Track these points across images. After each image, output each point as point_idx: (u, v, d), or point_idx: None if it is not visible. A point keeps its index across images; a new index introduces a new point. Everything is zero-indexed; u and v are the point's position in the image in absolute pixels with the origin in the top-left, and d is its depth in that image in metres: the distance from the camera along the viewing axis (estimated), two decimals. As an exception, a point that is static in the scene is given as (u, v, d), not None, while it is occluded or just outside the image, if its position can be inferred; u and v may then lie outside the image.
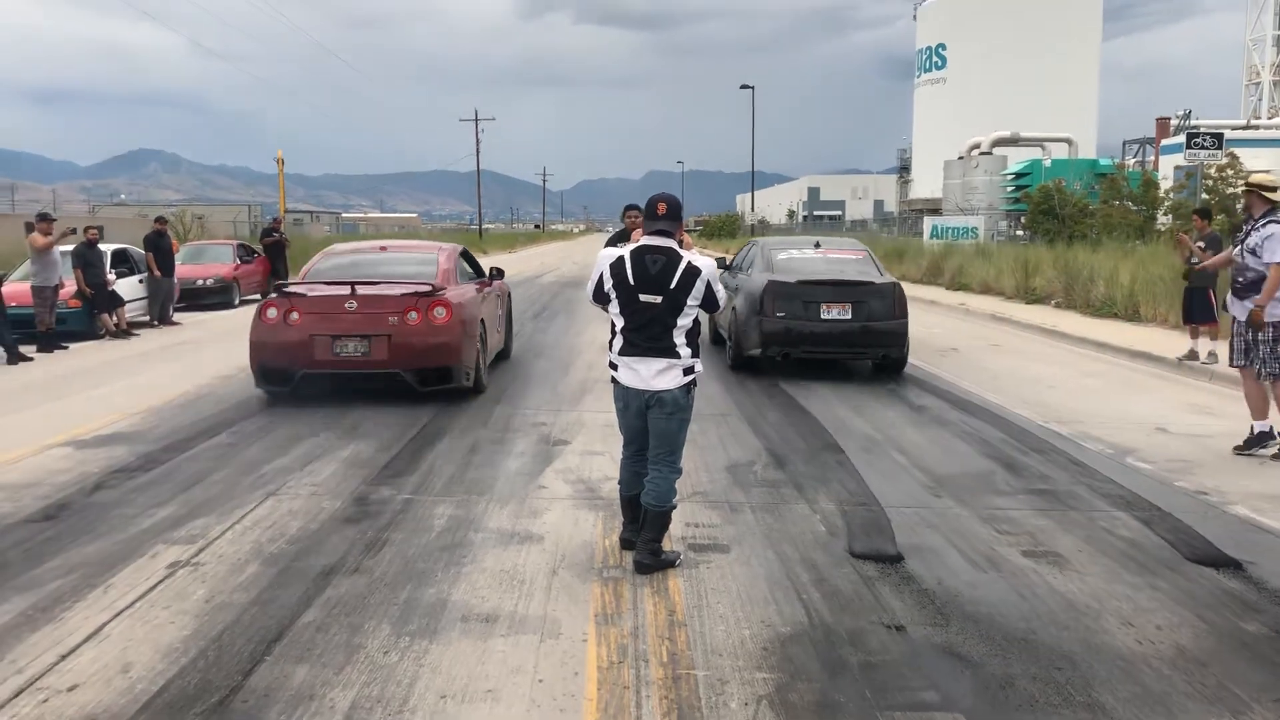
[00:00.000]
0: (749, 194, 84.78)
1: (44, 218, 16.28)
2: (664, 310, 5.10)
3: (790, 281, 11.89)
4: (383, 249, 12.43)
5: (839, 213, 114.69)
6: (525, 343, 15.53)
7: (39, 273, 15.66)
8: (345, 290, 10.28)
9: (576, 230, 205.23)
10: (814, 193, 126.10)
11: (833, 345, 11.78)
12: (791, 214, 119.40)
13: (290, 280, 12.48)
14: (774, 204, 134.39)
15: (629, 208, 9.99)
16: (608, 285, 5.21)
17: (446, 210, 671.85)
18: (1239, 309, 8.48)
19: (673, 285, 5.08)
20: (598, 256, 5.36)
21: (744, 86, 61.21)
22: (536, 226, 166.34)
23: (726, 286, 13.05)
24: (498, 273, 13.17)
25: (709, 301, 5.24)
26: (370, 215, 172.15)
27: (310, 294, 10.37)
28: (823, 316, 11.76)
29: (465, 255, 12.45)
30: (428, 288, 10.38)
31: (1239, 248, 8.50)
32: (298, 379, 10.29)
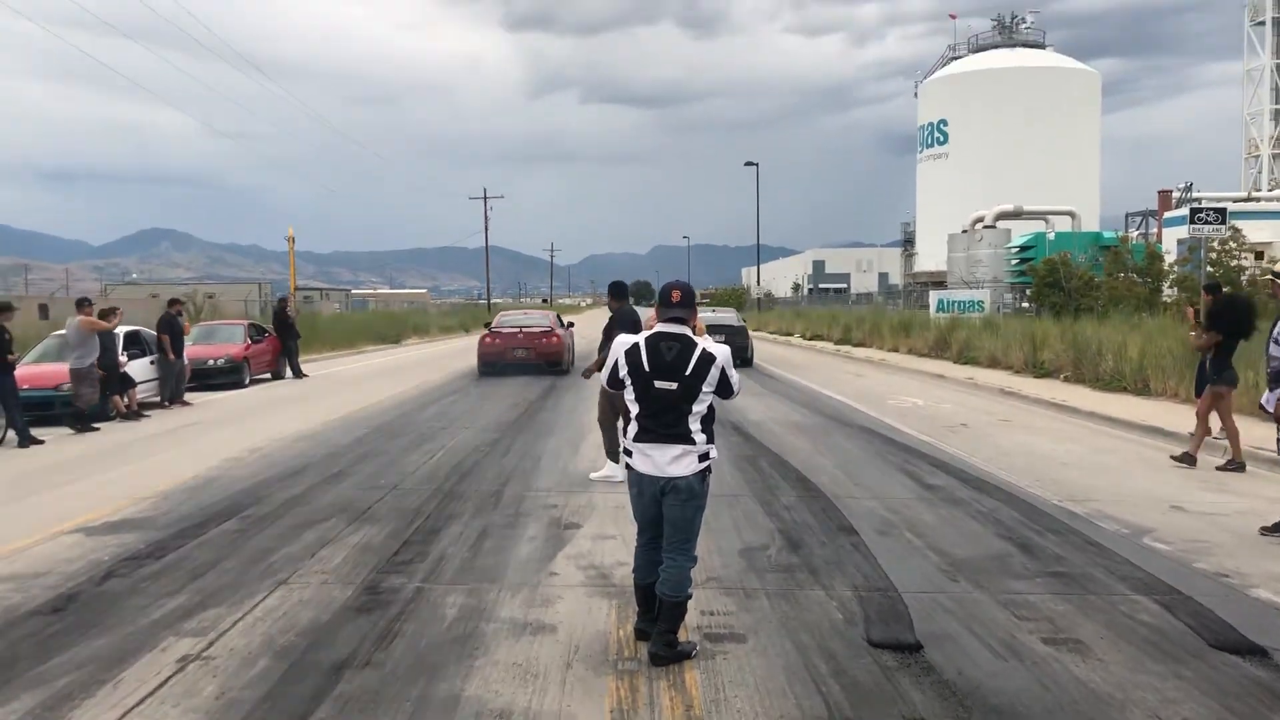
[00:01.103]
0: (755, 267, 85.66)
1: (85, 302, 16.83)
2: (679, 397, 5.12)
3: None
4: (526, 313, 28.15)
5: (844, 285, 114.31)
6: (534, 420, 15.55)
7: (81, 355, 16.03)
8: (517, 329, 25.67)
9: (584, 304, 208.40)
10: (819, 266, 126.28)
11: None
12: (796, 287, 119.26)
13: (488, 327, 26.67)
14: (779, 277, 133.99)
15: (614, 291, 10.61)
16: (623, 372, 5.25)
17: (455, 285, 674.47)
18: (1271, 401, 8.45)
19: (688, 372, 5.12)
20: (613, 344, 5.41)
21: (748, 164, 61.42)
22: (544, 301, 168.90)
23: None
24: (570, 324, 28.74)
25: (724, 387, 5.28)
26: (380, 291, 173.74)
27: (501, 330, 25.77)
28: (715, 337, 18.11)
29: (558, 316, 27.71)
30: (549, 328, 24.95)
31: (1269, 338, 8.52)
32: (499, 368, 24.83)
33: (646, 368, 5.17)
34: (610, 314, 10.66)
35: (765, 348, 39.32)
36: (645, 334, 5.32)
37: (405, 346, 45.63)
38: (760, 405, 17.39)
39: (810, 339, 44.44)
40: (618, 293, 10.71)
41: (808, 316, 53.53)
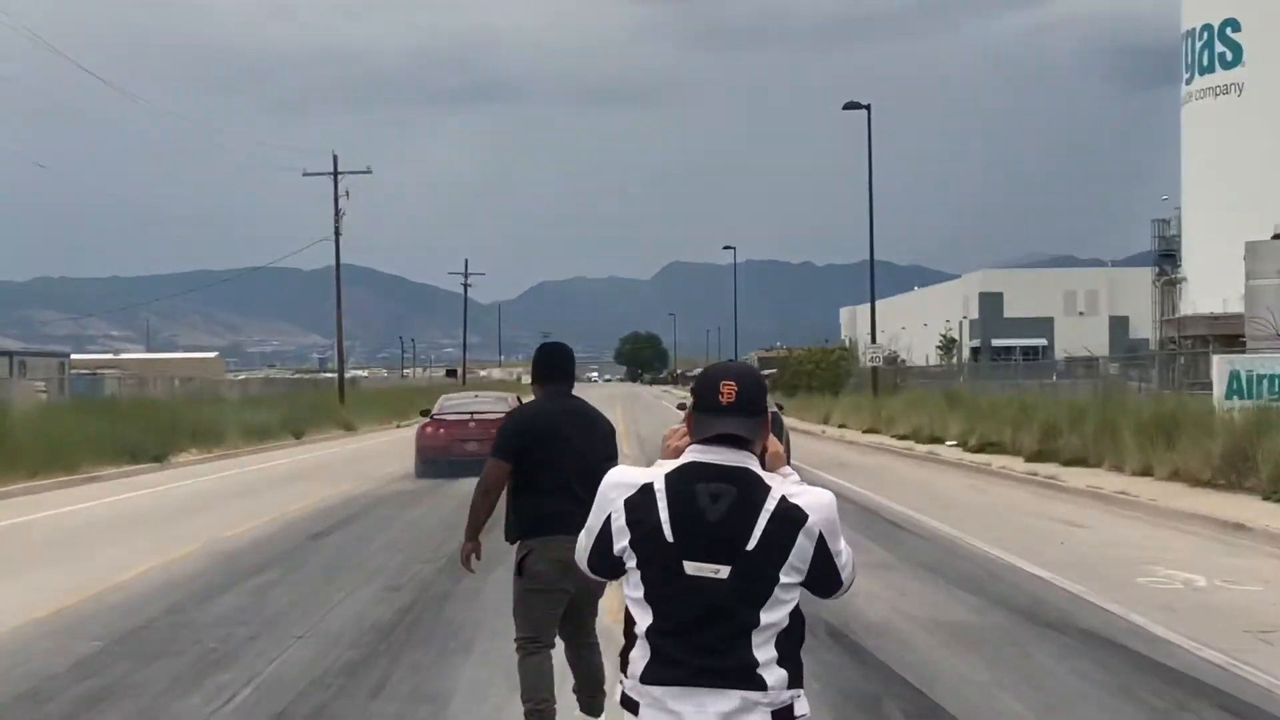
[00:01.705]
0: (866, 305, 45.68)
1: None
2: (734, 594, 2.79)
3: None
4: (476, 395, 24.82)
5: (1041, 341, 67.72)
6: (437, 615, 9.06)
7: None
8: (467, 416, 21.42)
9: (526, 378, 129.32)
10: (991, 302, 72.27)
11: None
12: (951, 343, 66.86)
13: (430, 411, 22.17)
14: (915, 321, 76.97)
15: (542, 364, 5.73)
16: (621, 542, 2.89)
17: (279, 342, 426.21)
18: None
19: (751, 544, 2.79)
20: (601, 487, 2.94)
21: (851, 106, 37.62)
22: (450, 373, 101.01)
23: None
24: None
25: (823, 575, 2.86)
26: (125, 355, 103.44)
27: (445, 418, 21.60)
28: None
29: (518, 398, 19.92)
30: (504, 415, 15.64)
31: None
32: (443, 465, 19.98)
33: (669, 536, 2.83)
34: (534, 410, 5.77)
35: (888, 467, 24.12)
36: (667, 467, 2.89)
37: (179, 467, 25.50)
38: (883, 587, 10.08)
39: (977, 450, 24.51)
40: (546, 368, 5.76)
41: (971, 405, 28.72)
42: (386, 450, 29.17)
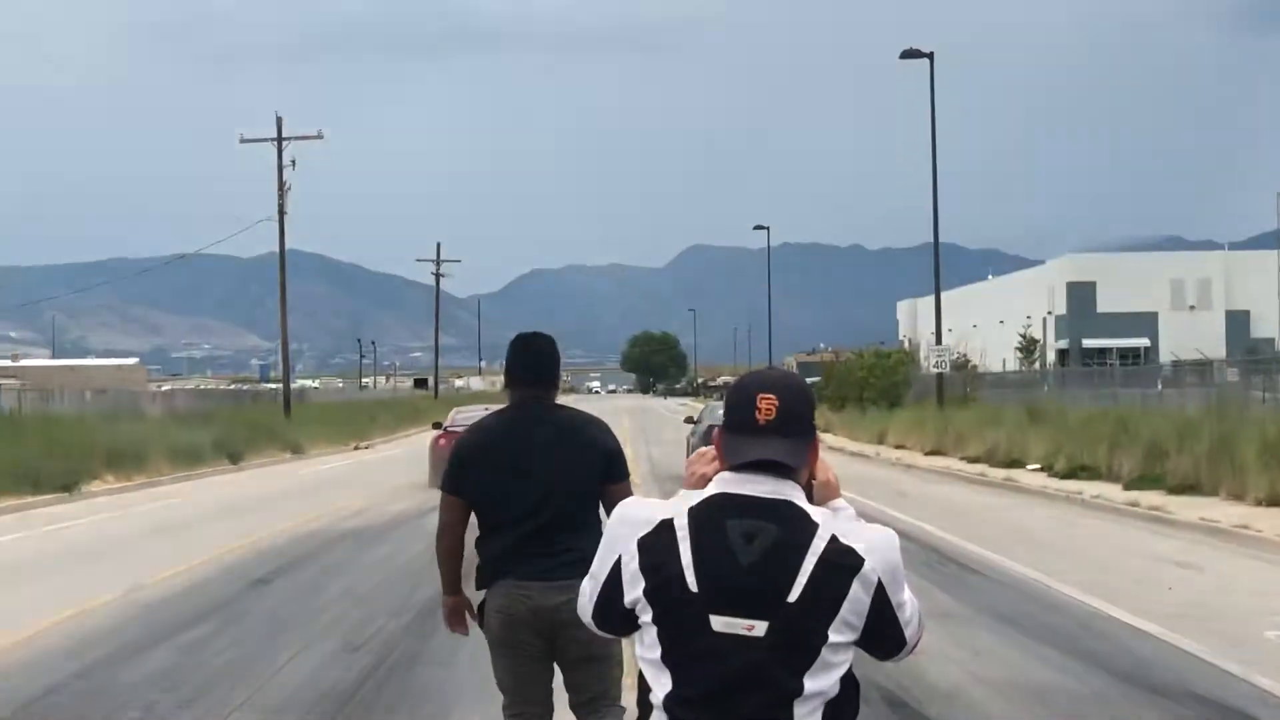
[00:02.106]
0: (930, 298, 39.12)
1: None
2: (772, 654, 2.50)
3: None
4: (487, 409, 21.40)
5: (1144, 340, 59.17)
6: (407, 679, 7.81)
7: None
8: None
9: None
10: (1081, 293, 62.13)
11: None
12: (1032, 343, 55.79)
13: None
14: (989, 318, 65.79)
15: (512, 350, 4.55)
16: (634, 592, 2.59)
17: (213, 344, 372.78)
18: None
19: (794, 595, 2.50)
20: (609, 523, 2.68)
21: (909, 54, 32.81)
22: (420, 383, 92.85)
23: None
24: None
25: (881, 632, 2.55)
26: (26, 362, 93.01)
27: (456, 431, 18.64)
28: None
29: None
30: None
31: None
32: None
33: (693, 584, 2.54)
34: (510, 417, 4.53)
35: (956, 497, 20.97)
36: (691, 499, 2.61)
37: (91, 498, 21.91)
38: (952, 644, 8.74)
39: (1066, 475, 21.17)
40: (517, 366, 4.55)
41: (1057, 421, 24.82)
42: (344, 478, 25.90)
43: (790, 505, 2.53)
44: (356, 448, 37.54)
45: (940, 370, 34.81)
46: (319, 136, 41.57)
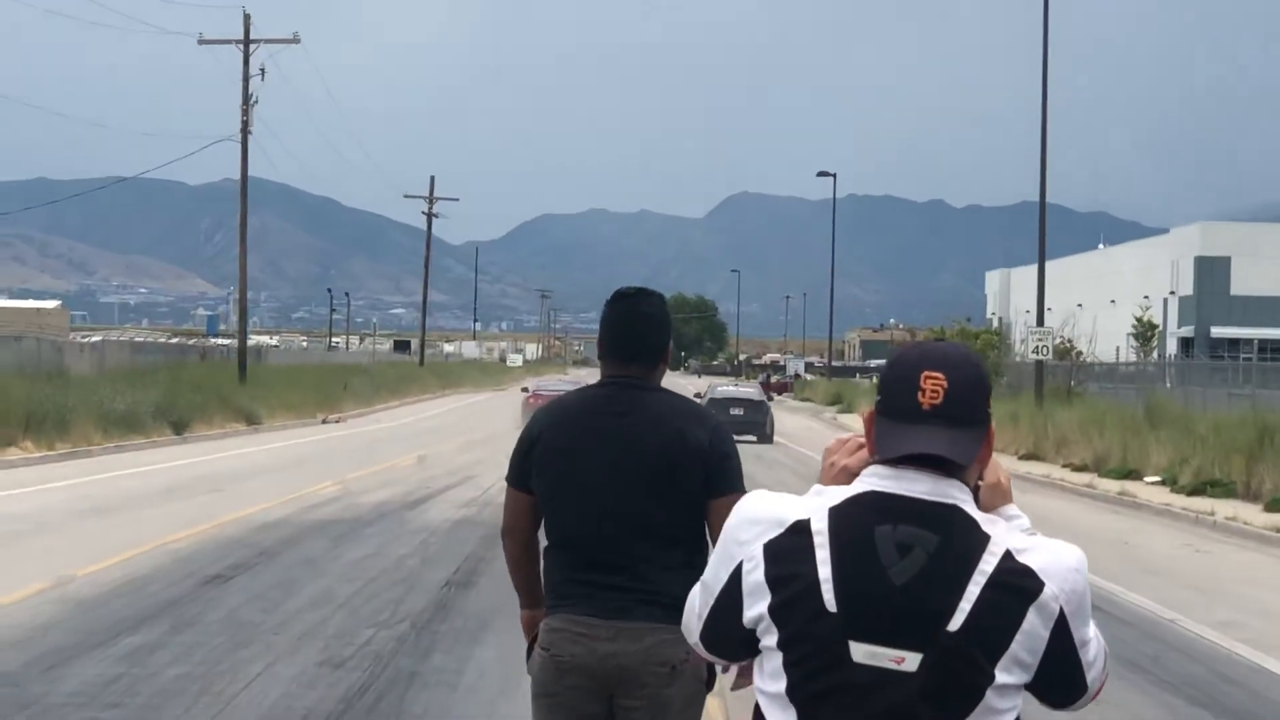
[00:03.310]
0: (1022, 269, 34.40)
1: None
2: (925, 694, 2.17)
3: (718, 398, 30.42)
4: (563, 376, 40.13)
5: None
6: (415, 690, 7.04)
7: None
8: (565, 387, 23.62)
9: (514, 358, 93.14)
10: (1213, 271, 52.69)
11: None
12: (1150, 329, 49.01)
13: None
14: (1099, 296, 55.43)
15: (608, 313, 3.58)
16: (757, 608, 2.26)
17: (151, 287, 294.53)
18: None
19: (956, 623, 2.17)
20: (727, 522, 2.30)
21: None
22: (401, 345, 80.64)
23: None
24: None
25: (1059, 674, 2.23)
26: None
27: (542, 391, 29.95)
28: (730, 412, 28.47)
29: None
30: None
31: None
32: None
33: (830, 603, 2.23)
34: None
35: (1059, 512, 18.08)
36: (831, 497, 2.28)
37: (8, 468, 19.11)
38: None
39: (1193, 490, 18.99)
40: (609, 335, 3.60)
41: (1182, 424, 22.31)
42: (314, 454, 22.91)
43: (957, 511, 2.23)
44: (325, 420, 33.94)
45: (1040, 357, 30.02)
46: (294, 41, 36.26)
